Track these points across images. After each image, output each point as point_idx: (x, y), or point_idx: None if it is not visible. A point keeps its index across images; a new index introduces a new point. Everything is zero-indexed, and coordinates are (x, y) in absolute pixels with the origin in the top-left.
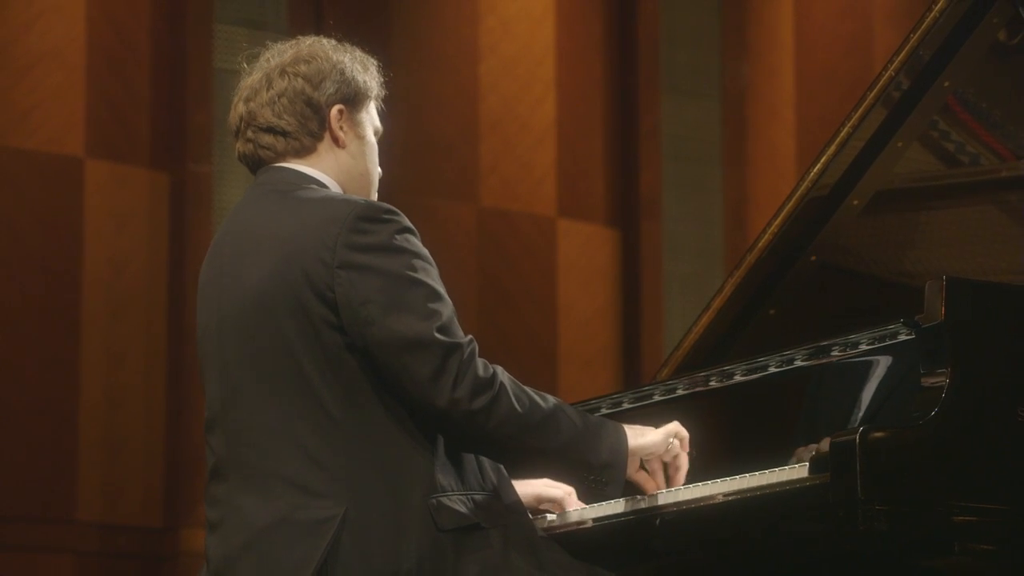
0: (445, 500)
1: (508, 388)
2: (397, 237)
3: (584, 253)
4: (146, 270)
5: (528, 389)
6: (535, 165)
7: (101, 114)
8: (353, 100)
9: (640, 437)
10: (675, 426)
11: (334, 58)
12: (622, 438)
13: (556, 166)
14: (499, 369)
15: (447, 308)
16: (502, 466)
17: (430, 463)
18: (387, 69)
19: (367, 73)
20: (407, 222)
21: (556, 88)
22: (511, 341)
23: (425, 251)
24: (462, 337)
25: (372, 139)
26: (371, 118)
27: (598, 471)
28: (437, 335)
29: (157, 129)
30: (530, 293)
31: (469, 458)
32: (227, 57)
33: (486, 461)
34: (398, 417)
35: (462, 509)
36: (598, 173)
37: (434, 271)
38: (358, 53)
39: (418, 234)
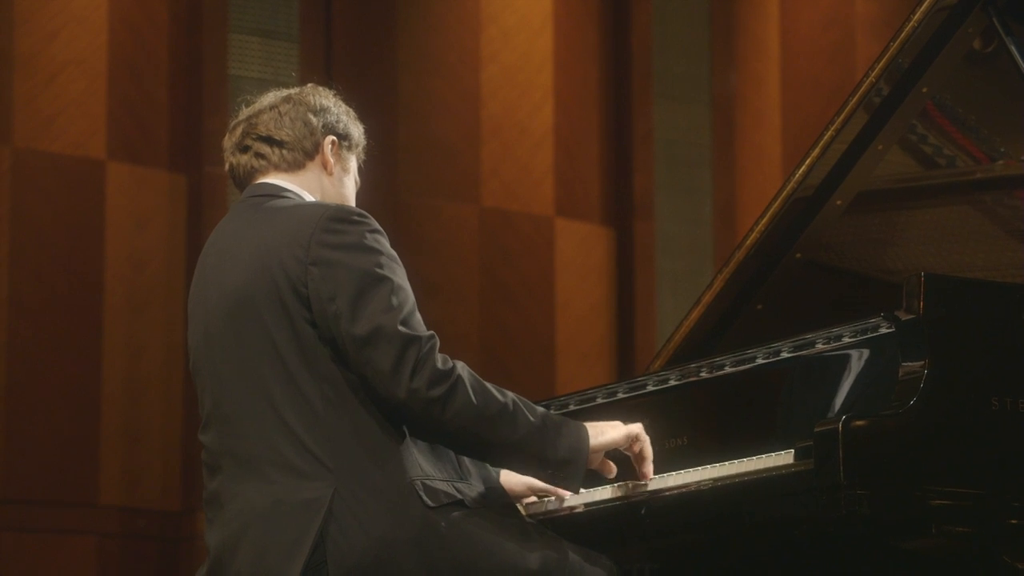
0: (428, 483)
1: (466, 381)
2: (367, 237)
3: (581, 251)
4: (165, 267)
5: (488, 385)
6: (534, 168)
7: (122, 119)
8: (344, 140)
9: (600, 436)
10: (638, 427)
11: (336, 102)
12: (583, 436)
13: (554, 169)
14: (460, 364)
15: (409, 303)
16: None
17: (409, 450)
18: (394, 76)
19: (357, 129)
20: (376, 224)
21: (554, 95)
22: (511, 335)
23: (392, 252)
24: (423, 331)
25: (352, 184)
26: (353, 168)
27: (556, 466)
28: (399, 327)
29: (175, 133)
30: (529, 289)
31: (446, 451)
32: (241, 64)
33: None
34: (373, 406)
35: (447, 489)
36: (594, 175)
37: (400, 270)
38: (352, 112)
39: (386, 236)
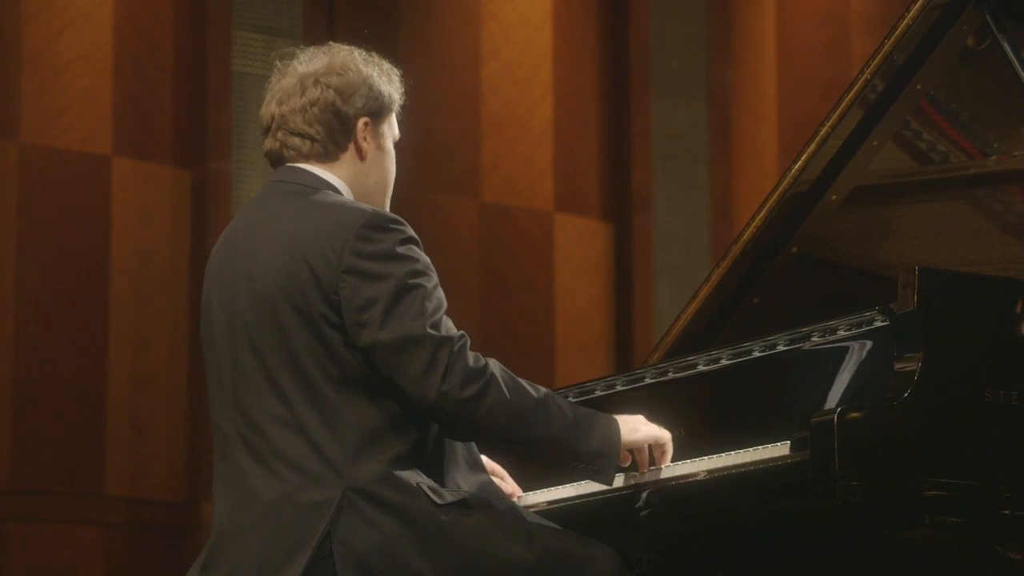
0: (434, 486)
1: (499, 378)
2: (400, 247)
3: (580, 246)
4: (169, 261)
5: (521, 380)
6: (534, 163)
7: (127, 115)
8: (378, 113)
9: (633, 434)
10: (667, 436)
11: (364, 72)
12: (615, 430)
13: (553, 164)
14: (492, 361)
15: (441, 307)
16: (485, 474)
17: (419, 458)
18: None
19: (391, 85)
20: (411, 232)
21: (553, 91)
22: (511, 328)
23: (426, 259)
24: (454, 332)
25: (391, 149)
26: (391, 128)
27: (588, 459)
28: (429, 330)
29: (179, 129)
30: (529, 283)
31: (453, 463)
32: (245, 61)
33: (468, 466)
34: (392, 412)
35: (452, 489)
36: (593, 171)
37: (432, 277)
38: (385, 65)
39: (420, 244)
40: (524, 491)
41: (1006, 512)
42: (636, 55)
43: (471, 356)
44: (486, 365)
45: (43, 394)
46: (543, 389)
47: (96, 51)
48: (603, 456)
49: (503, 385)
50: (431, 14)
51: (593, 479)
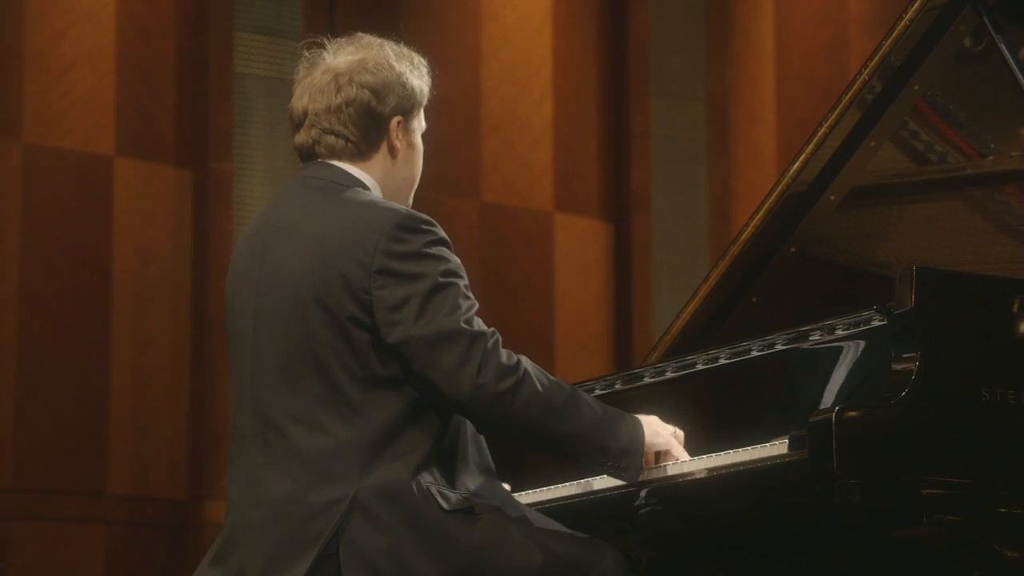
0: (444, 490)
1: (532, 373)
2: (429, 247)
3: (579, 245)
4: (171, 261)
5: (551, 376)
6: (533, 163)
7: (130, 116)
8: (410, 110)
9: (655, 436)
10: (680, 440)
11: (398, 69)
12: (639, 428)
13: (553, 164)
14: (523, 357)
15: (474, 306)
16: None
17: (433, 460)
18: None
19: (422, 79)
20: (442, 233)
21: (553, 91)
22: (511, 327)
23: (456, 260)
24: (486, 328)
25: (420, 144)
26: (421, 123)
27: (617, 456)
28: (463, 326)
29: (181, 129)
30: (529, 283)
31: (464, 466)
32: (246, 62)
33: (478, 470)
34: (413, 413)
35: (462, 495)
36: (592, 171)
37: (465, 278)
38: (416, 58)
39: (451, 246)
40: (525, 489)
41: (1003, 510)
42: (636, 55)
43: (504, 352)
44: (519, 360)
45: (46, 393)
46: (570, 385)
47: (98, 52)
48: (630, 454)
49: (536, 381)
50: (431, 15)
51: (619, 476)
